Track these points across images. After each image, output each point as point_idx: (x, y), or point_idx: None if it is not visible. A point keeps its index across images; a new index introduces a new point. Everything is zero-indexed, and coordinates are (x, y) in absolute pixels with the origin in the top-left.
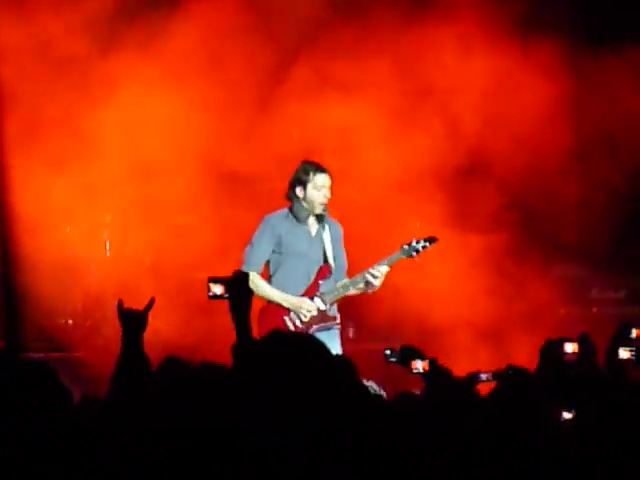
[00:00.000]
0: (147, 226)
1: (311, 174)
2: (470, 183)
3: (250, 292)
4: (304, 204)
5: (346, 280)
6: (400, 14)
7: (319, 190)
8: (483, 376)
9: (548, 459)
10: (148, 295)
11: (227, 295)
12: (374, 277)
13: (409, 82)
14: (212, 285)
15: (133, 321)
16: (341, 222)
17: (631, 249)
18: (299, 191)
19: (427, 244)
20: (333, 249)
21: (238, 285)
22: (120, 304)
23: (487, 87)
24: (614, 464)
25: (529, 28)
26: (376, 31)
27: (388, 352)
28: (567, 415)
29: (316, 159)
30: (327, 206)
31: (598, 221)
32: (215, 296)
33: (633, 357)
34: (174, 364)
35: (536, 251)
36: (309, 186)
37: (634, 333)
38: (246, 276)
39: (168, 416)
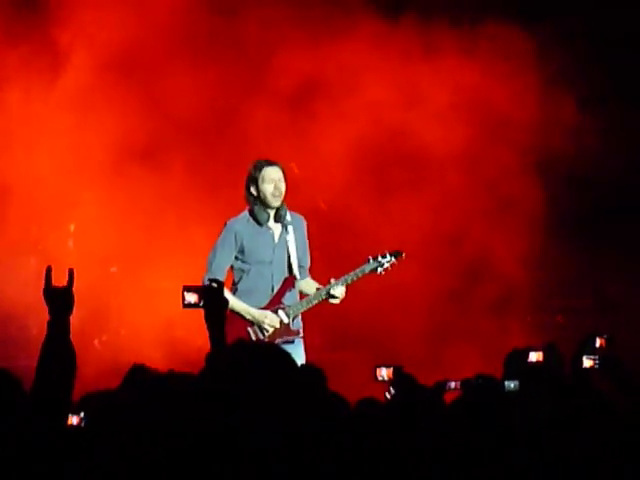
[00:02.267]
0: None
1: (261, 169)
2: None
3: (225, 301)
4: (260, 202)
5: (309, 292)
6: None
7: (269, 183)
8: (452, 384)
9: (514, 465)
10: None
11: (202, 304)
12: (334, 297)
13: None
14: (187, 294)
15: (58, 298)
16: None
17: (597, 259)
18: (253, 189)
19: (393, 258)
20: (297, 246)
21: (213, 294)
22: (48, 277)
23: None
24: (580, 470)
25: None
26: None
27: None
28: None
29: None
30: (285, 202)
31: (563, 228)
32: (190, 305)
33: (596, 365)
34: (140, 372)
35: (501, 260)
36: (259, 181)
37: (598, 342)
38: (221, 285)
39: (135, 424)
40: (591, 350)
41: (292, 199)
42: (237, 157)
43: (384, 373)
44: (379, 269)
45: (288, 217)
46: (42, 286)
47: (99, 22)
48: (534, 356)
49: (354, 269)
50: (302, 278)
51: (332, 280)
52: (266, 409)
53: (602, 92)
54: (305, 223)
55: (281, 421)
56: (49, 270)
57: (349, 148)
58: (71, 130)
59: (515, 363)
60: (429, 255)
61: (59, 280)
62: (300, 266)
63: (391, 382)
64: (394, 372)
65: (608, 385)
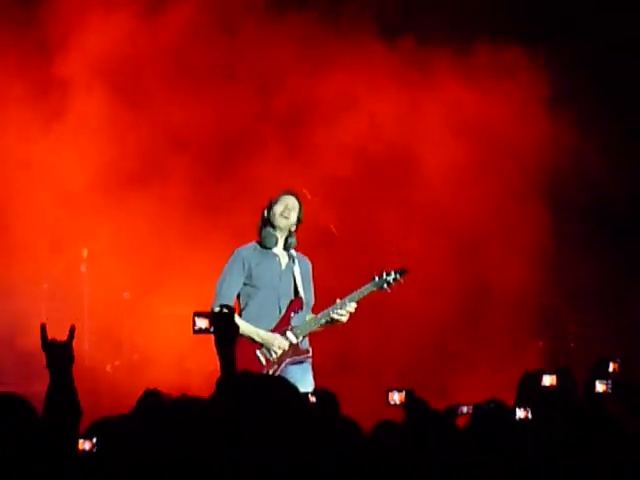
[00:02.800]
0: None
1: (279, 195)
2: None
3: (236, 327)
4: (269, 224)
5: (317, 314)
6: None
7: (281, 205)
8: (464, 409)
9: None
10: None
11: (212, 329)
12: (341, 314)
13: None
14: (197, 319)
15: (57, 351)
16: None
17: (610, 284)
18: (265, 212)
19: (398, 276)
20: (303, 283)
21: (224, 320)
22: (44, 333)
23: None
24: None
25: None
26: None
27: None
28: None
29: None
30: (295, 234)
31: (576, 253)
32: (200, 330)
33: (609, 390)
34: (153, 397)
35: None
36: (273, 204)
37: (611, 367)
38: (232, 311)
39: (147, 449)
40: (604, 374)
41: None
42: (244, 181)
43: (396, 397)
44: (385, 286)
45: (294, 253)
46: (54, 310)
47: (100, 48)
48: (547, 380)
49: (359, 287)
50: (306, 315)
51: (338, 300)
52: (275, 437)
53: (602, 111)
54: (310, 265)
55: (291, 448)
56: (43, 327)
57: (349, 169)
58: (82, 155)
59: (528, 387)
60: (435, 278)
61: (74, 306)
62: (306, 301)
63: (403, 405)
64: (406, 396)
65: (621, 409)
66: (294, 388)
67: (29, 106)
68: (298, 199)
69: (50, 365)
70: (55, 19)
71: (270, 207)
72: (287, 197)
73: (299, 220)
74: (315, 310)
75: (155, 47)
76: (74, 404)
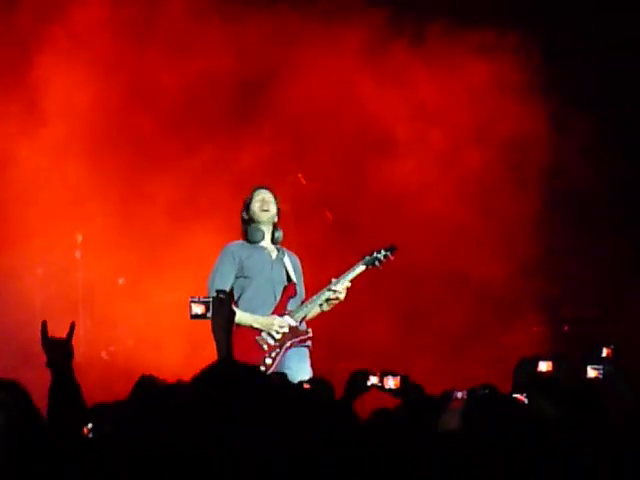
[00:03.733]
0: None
1: (252, 192)
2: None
3: (232, 312)
4: (252, 222)
5: (312, 297)
6: None
7: (257, 202)
8: (458, 394)
9: (518, 473)
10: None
11: (208, 315)
12: (337, 292)
13: None
14: (194, 305)
15: (56, 348)
16: None
17: (602, 268)
18: (245, 213)
19: (388, 253)
20: (295, 277)
21: (220, 305)
22: (44, 330)
23: None
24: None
25: None
26: None
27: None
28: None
29: None
30: (279, 226)
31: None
32: (197, 316)
33: (600, 375)
34: (148, 383)
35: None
36: (250, 203)
37: (605, 352)
38: (228, 296)
39: (143, 434)
40: (597, 360)
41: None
42: (240, 170)
43: (391, 382)
44: (376, 263)
45: (283, 249)
46: (48, 296)
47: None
48: (544, 365)
49: (350, 268)
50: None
51: (332, 279)
52: (267, 423)
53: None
54: (299, 260)
55: (285, 436)
56: (44, 324)
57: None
58: (75, 142)
59: (524, 372)
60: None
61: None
62: (297, 295)
63: (398, 391)
64: (401, 381)
65: (613, 395)
66: (285, 377)
67: (10, 98)
68: (271, 191)
69: (50, 362)
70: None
71: (247, 206)
72: (260, 192)
73: (278, 211)
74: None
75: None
76: (77, 399)
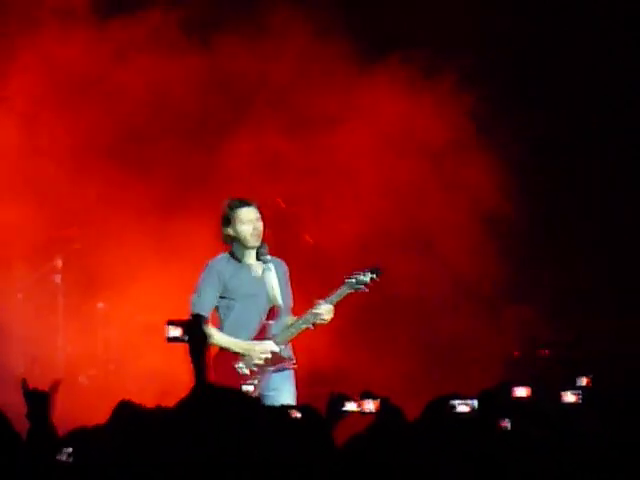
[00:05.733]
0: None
1: (235, 210)
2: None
3: (205, 335)
4: (239, 242)
5: (295, 319)
6: None
7: (247, 224)
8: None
9: None
10: None
11: (185, 338)
12: (321, 315)
13: None
14: (170, 328)
15: (37, 400)
16: None
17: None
18: (230, 230)
19: (374, 275)
20: (280, 287)
21: (193, 329)
22: (24, 384)
23: None
24: None
25: None
26: None
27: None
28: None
29: None
30: (265, 242)
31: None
32: (174, 338)
33: (579, 400)
34: (128, 408)
35: (487, 293)
36: (236, 222)
37: (584, 381)
38: (200, 319)
39: (122, 459)
40: (576, 388)
41: (277, 233)
42: (223, 189)
43: (371, 405)
44: (360, 286)
45: (268, 257)
46: (27, 323)
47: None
48: (522, 391)
49: (335, 290)
50: (286, 318)
51: (316, 301)
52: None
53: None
54: (286, 267)
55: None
56: (24, 382)
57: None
58: (56, 162)
59: (503, 397)
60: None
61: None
62: (285, 305)
63: (377, 414)
64: (381, 404)
65: (591, 421)
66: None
67: None
68: (256, 206)
69: (30, 415)
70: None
71: (233, 225)
72: (247, 210)
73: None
74: (295, 312)
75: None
76: (54, 446)
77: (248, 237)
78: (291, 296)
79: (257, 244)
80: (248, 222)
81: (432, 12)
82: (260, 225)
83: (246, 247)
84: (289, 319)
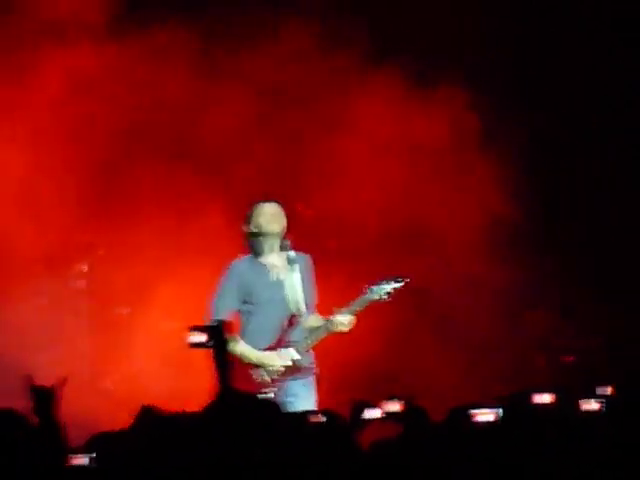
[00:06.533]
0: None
1: (256, 206)
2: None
3: (226, 340)
4: (258, 235)
5: (316, 325)
6: None
7: (264, 215)
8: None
9: None
10: None
11: (208, 344)
12: (342, 324)
13: None
14: (194, 333)
15: (42, 396)
16: None
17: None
18: (249, 226)
19: (396, 285)
20: (303, 284)
21: (218, 334)
22: (29, 379)
23: None
24: None
25: None
26: None
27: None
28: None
29: None
30: (288, 239)
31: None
32: (196, 344)
33: (603, 409)
34: (151, 413)
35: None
36: (254, 216)
37: (608, 390)
38: (225, 325)
39: (145, 464)
40: (600, 396)
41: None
42: (237, 194)
43: (395, 406)
44: (383, 296)
45: (293, 253)
46: (52, 328)
47: None
48: (546, 398)
49: (355, 299)
50: (309, 316)
51: (335, 309)
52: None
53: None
54: (311, 262)
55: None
56: (28, 377)
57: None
58: (83, 167)
59: (526, 405)
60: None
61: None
62: (306, 304)
63: (401, 415)
64: (405, 404)
65: (613, 429)
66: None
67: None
68: (279, 204)
69: (36, 410)
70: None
71: (250, 220)
72: (267, 205)
73: (288, 224)
74: (320, 309)
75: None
76: (59, 444)
77: (264, 223)
78: (315, 292)
79: (274, 231)
80: (267, 214)
81: (432, 12)
82: (280, 219)
83: (266, 239)
84: (312, 318)
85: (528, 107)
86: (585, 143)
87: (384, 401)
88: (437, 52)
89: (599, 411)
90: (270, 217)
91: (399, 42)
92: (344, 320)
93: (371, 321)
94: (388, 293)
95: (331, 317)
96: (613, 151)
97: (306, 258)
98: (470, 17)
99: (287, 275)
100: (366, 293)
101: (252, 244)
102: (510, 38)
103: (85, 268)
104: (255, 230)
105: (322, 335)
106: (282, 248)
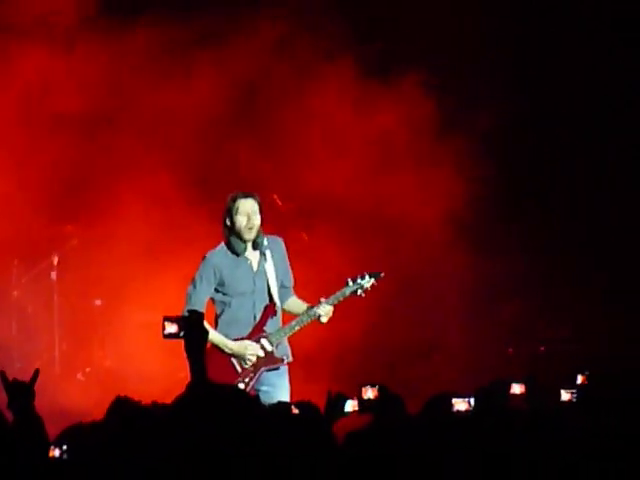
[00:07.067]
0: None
1: (236, 201)
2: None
3: (205, 331)
4: (235, 234)
5: (297, 311)
6: None
7: (243, 215)
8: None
9: None
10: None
11: (181, 334)
12: (320, 316)
13: None
14: (167, 324)
15: (18, 391)
16: None
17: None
18: (228, 221)
19: (373, 279)
20: (277, 270)
21: (193, 324)
22: (3, 375)
23: None
24: None
25: None
26: None
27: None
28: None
29: None
30: (261, 231)
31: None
32: (170, 335)
33: (574, 399)
34: (124, 405)
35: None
36: (234, 212)
37: (579, 379)
38: (200, 316)
39: (118, 455)
40: (571, 386)
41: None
42: (222, 184)
43: (370, 393)
44: (359, 291)
45: (265, 242)
46: (25, 319)
47: None
48: (517, 388)
49: (334, 292)
50: (287, 298)
51: (316, 303)
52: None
53: None
54: (283, 244)
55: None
56: (2, 373)
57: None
58: (52, 161)
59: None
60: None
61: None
62: (283, 287)
63: (376, 404)
64: (379, 391)
65: (585, 418)
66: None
67: None
68: (256, 199)
69: (11, 405)
70: None
71: (231, 217)
72: (246, 202)
73: (262, 219)
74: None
75: None
76: (39, 436)
77: (242, 229)
78: (291, 274)
79: (251, 237)
80: (244, 213)
81: (431, 12)
82: (256, 219)
83: (241, 239)
84: (293, 302)
85: (528, 107)
86: (585, 143)
87: (358, 388)
88: (412, 45)
89: (569, 401)
90: (247, 222)
91: (370, 33)
92: (324, 312)
93: (345, 308)
94: (365, 289)
95: (315, 306)
96: (613, 151)
97: (278, 241)
98: (470, 17)
99: (261, 265)
100: (346, 286)
101: (229, 241)
102: (510, 38)
103: (56, 260)
104: (230, 226)
105: (296, 328)
106: (256, 246)
